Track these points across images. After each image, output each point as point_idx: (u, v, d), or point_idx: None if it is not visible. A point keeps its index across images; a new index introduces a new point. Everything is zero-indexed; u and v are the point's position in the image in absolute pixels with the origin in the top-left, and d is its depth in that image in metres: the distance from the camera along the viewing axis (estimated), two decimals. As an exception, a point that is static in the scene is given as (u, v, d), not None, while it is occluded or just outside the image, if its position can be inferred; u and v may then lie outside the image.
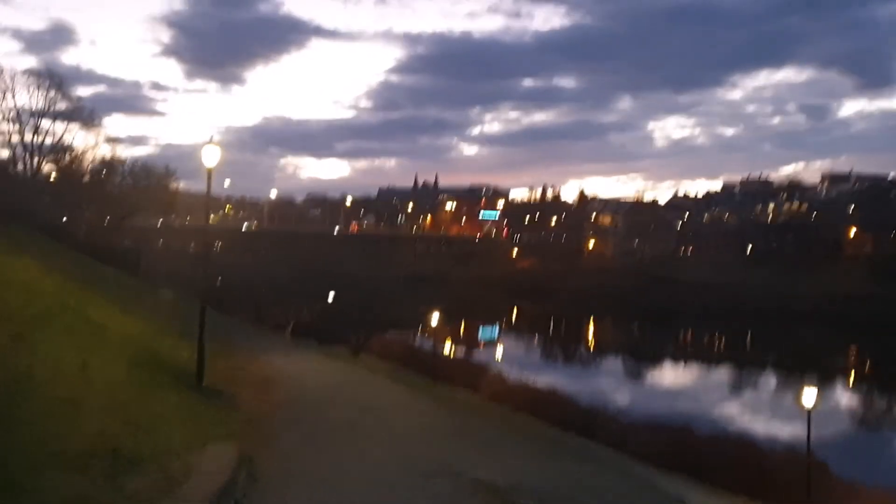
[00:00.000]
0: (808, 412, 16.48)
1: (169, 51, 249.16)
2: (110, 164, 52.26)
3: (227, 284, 58.54)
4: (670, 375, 46.53)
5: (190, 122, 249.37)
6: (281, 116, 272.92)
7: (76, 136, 49.10)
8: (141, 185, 52.89)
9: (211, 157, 13.87)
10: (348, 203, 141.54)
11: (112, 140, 53.18)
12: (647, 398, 34.29)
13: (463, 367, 30.99)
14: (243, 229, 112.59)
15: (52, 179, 50.01)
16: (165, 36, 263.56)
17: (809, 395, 16.44)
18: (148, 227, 78.59)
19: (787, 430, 28.11)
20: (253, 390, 16.87)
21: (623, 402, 29.15)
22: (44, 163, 48.50)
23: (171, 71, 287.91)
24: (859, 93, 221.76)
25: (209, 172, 14.05)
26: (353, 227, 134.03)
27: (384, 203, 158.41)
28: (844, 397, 39.10)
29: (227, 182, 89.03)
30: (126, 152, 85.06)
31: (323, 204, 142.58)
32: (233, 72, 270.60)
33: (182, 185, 71.83)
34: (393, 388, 21.93)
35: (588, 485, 13.51)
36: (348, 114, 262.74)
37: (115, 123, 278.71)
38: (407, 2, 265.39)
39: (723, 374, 46.32)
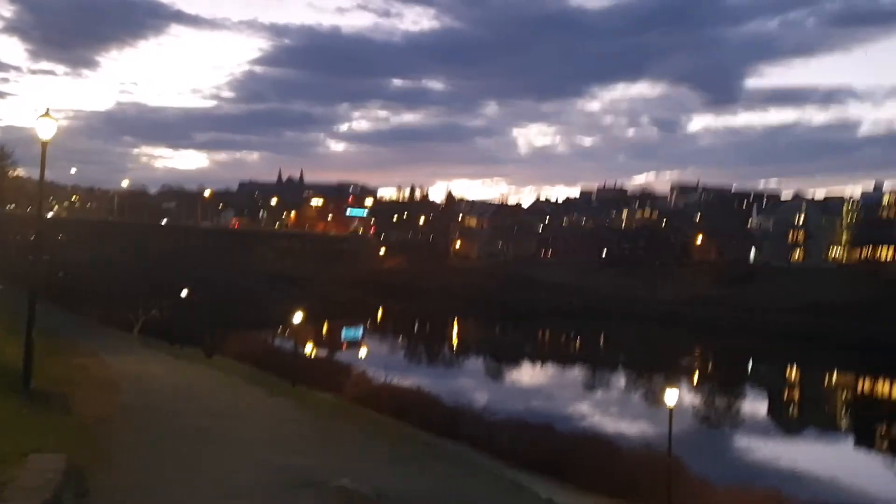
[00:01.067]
0: (670, 411, 16.86)
1: (10, 27, 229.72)
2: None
3: (72, 279, 54.40)
4: (531, 374, 47.54)
5: (34, 106, 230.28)
6: (136, 103, 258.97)
7: None
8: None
9: (45, 131, 12.29)
10: (207, 195, 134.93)
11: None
12: (510, 397, 34.67)
13: (325, 369, 30.02)
14: (49, 216, 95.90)
15: None
16: (6, 10, 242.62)
17: (671, 395, 16.83)
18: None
19: (637, 427, 29.22)
20: (92, 393, 15.42)
21: (487, 402, 29.15)
22: None
23: (13, 49, 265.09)
24: (706, 109, 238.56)
25: (44, 146, 12.43)
26: (234, 222, 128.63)
27: (245, 197, 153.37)
28: (689, 395, 41.22)
29: (73, 170, 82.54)
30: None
31: (179, 196, 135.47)
32: (84, 55, 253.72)
33: (25, 172, 66.10)
34: (250, 391, 20.82)
35: (457, 489, 13.09)
36: (209, 104, 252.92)
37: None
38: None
39: (579, 372, 47.82)
